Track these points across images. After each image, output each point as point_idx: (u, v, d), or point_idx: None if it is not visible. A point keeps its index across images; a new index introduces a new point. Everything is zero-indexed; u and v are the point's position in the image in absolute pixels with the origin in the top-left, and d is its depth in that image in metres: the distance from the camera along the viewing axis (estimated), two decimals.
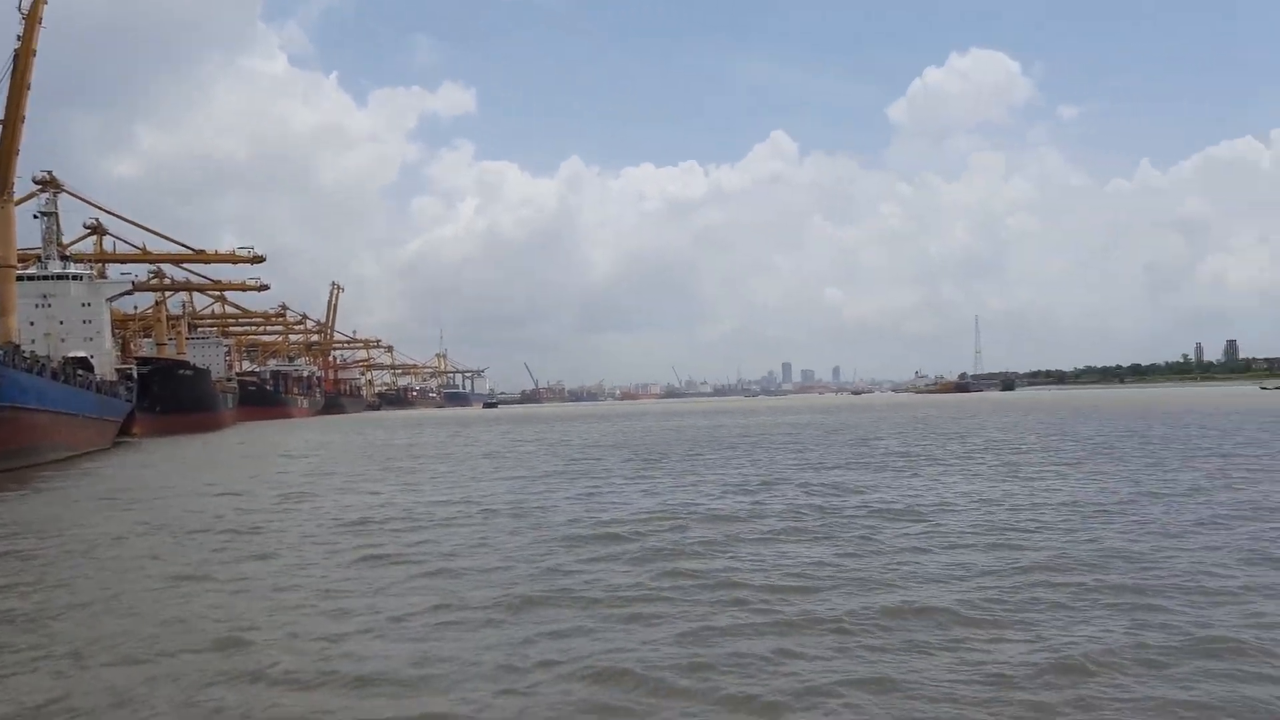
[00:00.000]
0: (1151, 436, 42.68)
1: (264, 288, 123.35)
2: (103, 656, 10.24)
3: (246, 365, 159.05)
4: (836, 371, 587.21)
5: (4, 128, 51.35)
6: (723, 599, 12.15)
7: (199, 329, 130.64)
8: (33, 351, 53.81)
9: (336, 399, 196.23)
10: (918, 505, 20.58)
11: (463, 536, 17.97)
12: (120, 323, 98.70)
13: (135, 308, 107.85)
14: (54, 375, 51.20)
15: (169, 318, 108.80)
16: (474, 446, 51.60)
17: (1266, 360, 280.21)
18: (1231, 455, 31.50)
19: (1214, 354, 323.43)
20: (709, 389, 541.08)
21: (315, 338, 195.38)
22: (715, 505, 21.51)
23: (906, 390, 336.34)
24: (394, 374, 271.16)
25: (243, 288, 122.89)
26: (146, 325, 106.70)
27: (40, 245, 71.24)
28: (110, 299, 77.32)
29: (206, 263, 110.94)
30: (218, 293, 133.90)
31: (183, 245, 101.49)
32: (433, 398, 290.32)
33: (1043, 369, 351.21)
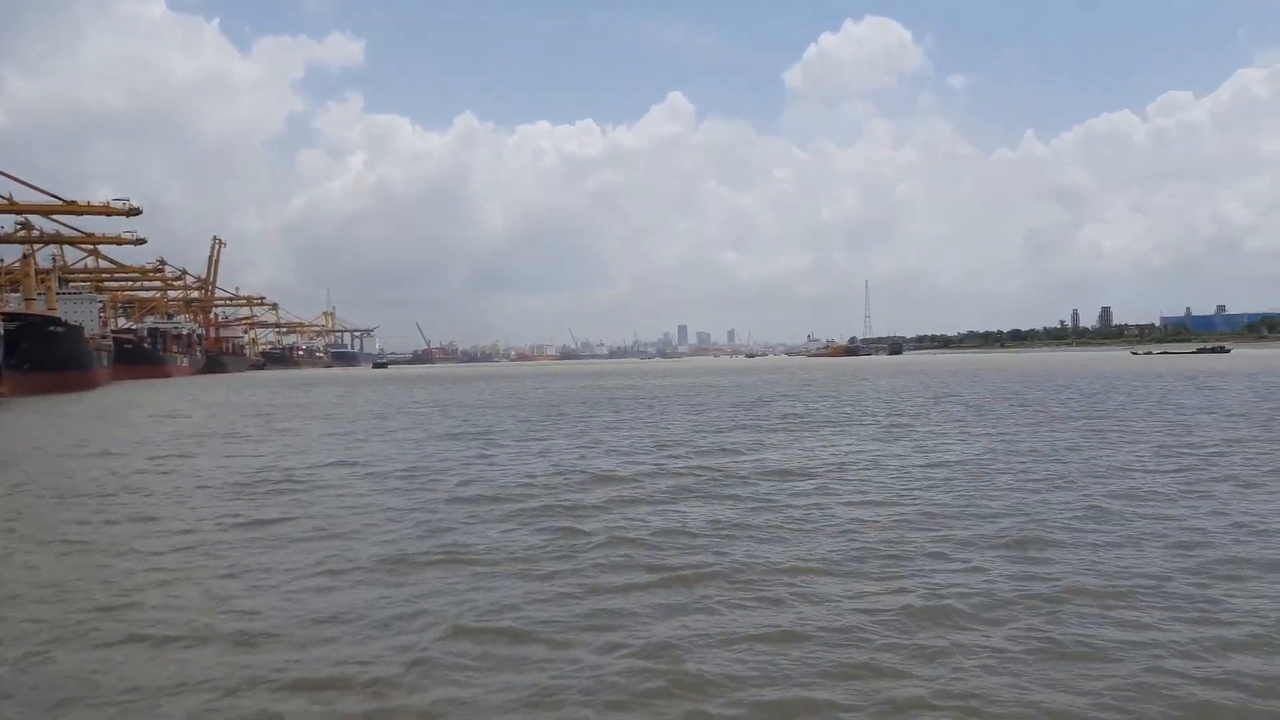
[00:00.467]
0: (1030, 399, 44.33)
1: (140, 241, 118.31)
2: None
3: (122, 322, 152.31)
4: (731, 334, 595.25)
5: None
6: (616, 557, 12.08)
7: (71, 284, 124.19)
8: None
9: (218, 358, 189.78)
10: (811, 465, 20.88)
11: (350, 498, 17.51)
12: None
13: (1, 261, 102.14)
14: None
15: (38, 272, 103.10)
16: (363, 407, 50.52)
17: (1137, 326, 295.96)
18: (1106, 416, 32.79)
19: (1089, 319, 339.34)
20: (605, 351, 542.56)
21: (195, 294, 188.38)
22: (610, 466, 21.43)
23: (799, 354, 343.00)
24: (279, 333, 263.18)
25: (118, 241, 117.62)
26: (14, 279, 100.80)
27: None
28: None
29: (79, 214, 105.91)
30: (91, 246, 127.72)
31: (53, 196, 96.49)
32: (320, 357, 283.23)
33: (928, 333, 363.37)
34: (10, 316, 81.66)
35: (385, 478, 20.06)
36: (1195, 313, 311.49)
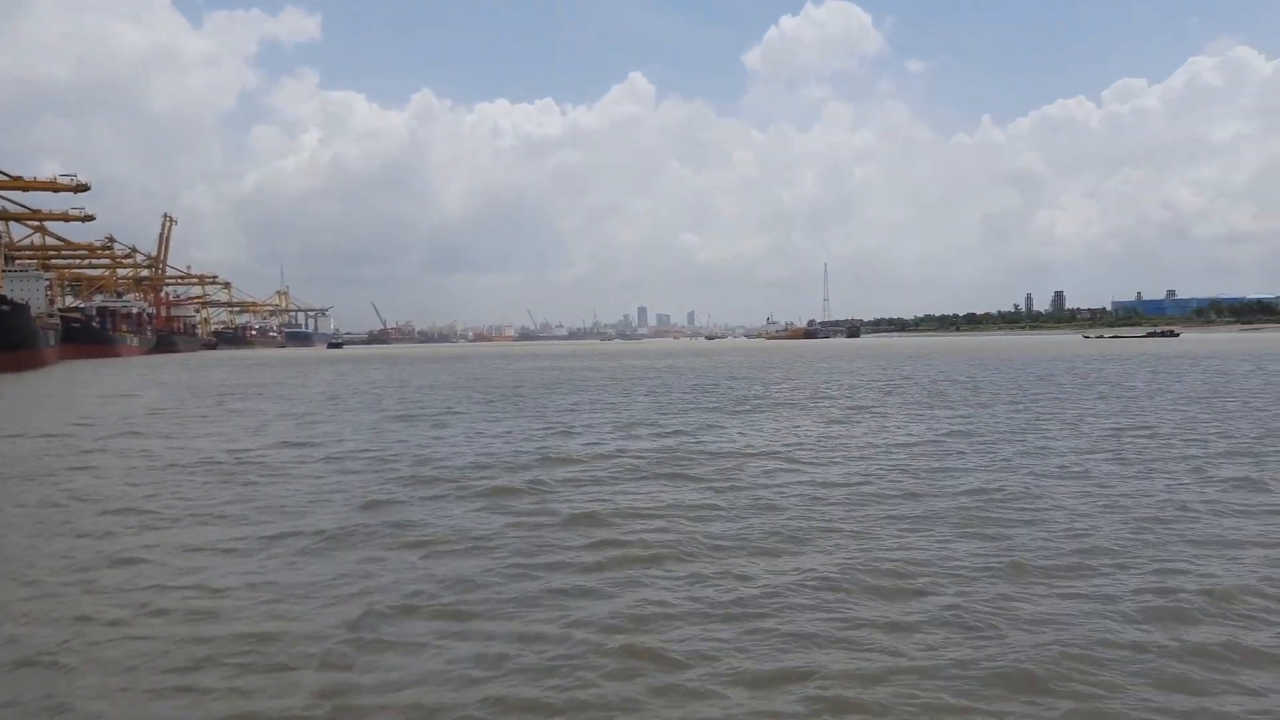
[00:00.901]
0: (991, 382, 44.78)
1: (89, 218, 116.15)
2: None
3: (70, 300, 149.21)
4: (691, 316, 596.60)
5: None
6: (574, 537, 11.96)
7: (17, 261, 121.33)
8: None
9: (169, 337, 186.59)
10: (773, 446, 20.87)
11: (302, 479, 17.23)
12: None
13: None
14: None
15: None
16: (317, 388, 49.87)
17: (1089, 310, 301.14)
18: (1060, 399, 33.19)
19: (1042, 303, 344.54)
20: (564, 332, 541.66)
21: (146, 272, 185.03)
22: (569, 447, 21.30)
23: (759, 336, 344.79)
24: (231, 312, 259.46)
25: (65, 218, 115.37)
26: None
27: None
28: None
29: (24, 190, 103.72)
30: (37, 223, 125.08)
31: None
32: (273, 337, 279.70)
33: (885, 316, 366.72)
34: None
35: (339, 459, 19.74)
36: (1146, 297, 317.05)
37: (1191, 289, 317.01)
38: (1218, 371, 48.61)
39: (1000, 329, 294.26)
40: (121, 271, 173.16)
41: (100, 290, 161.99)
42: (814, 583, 9.66)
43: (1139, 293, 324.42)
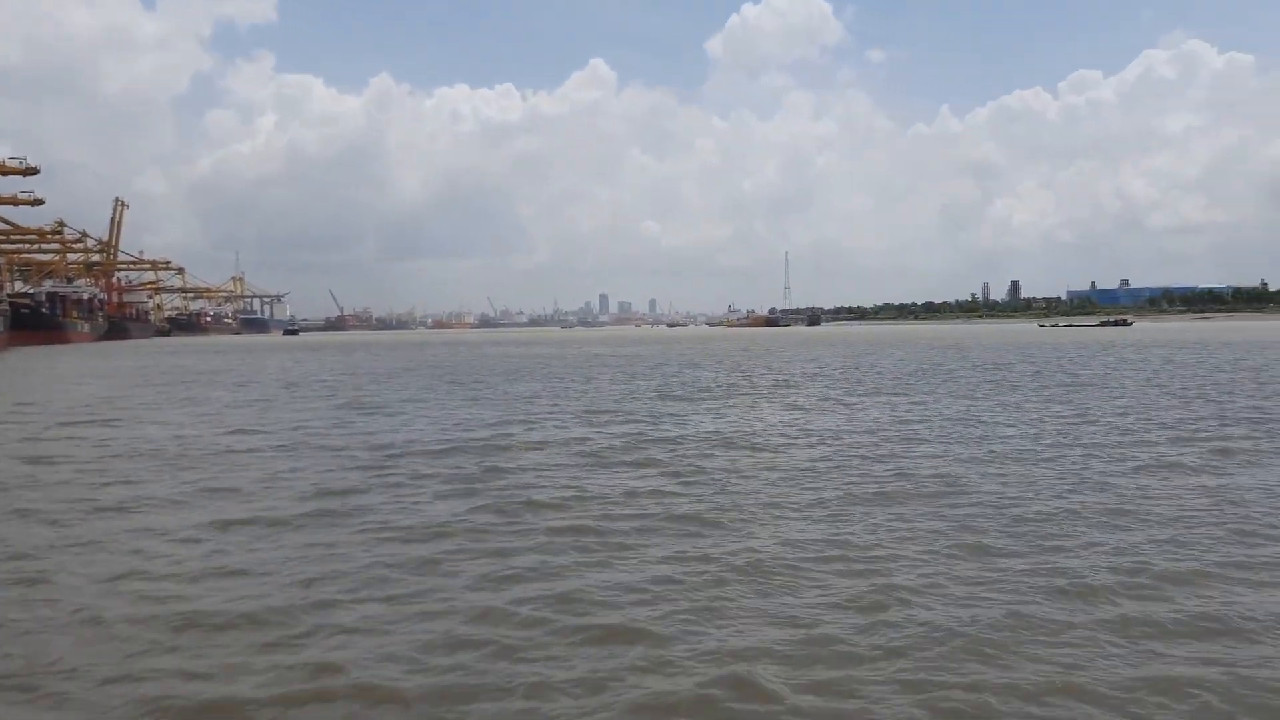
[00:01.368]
0: (951, 370, 45.25)
1: (38, 202, 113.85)
2: None
3: (19, 286, 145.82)
4: (653, 304, 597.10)
5: None
6: (534, 521, 11.88)
7: None
8: None
9: (122, 324, 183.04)
10: (735, 432, 20.87)
11: (256, 466, 16.95)
12: None
13: None
14: None
15: None
16: (272, 375, 49.20)
17: (1045, 300, 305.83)
18: (1018, 387, 33.59)
19: (999, 293, 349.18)
20: (525, 319, 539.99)
21: (97, 258, 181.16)
22: (530, 435, 21.15)
23: (720, 324, 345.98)
24: (186, 298, 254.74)
25: (14, 202, 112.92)
26: None
27: None
28: None
29: None
30: None
31: None
32: (228, 324, 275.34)
33: (845, 304, 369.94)
34: None
35: (293, 446, 19.45)
36: (1100, 287, 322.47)
37: (1145, 279, 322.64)
38: (1166, 360, 49.48)
39: (958, 318, 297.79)
40: (72, 256, 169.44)
41: (50, 275, 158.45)
42: (769, 562, 9.66)
43: (1093, 282, 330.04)
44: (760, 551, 10.25)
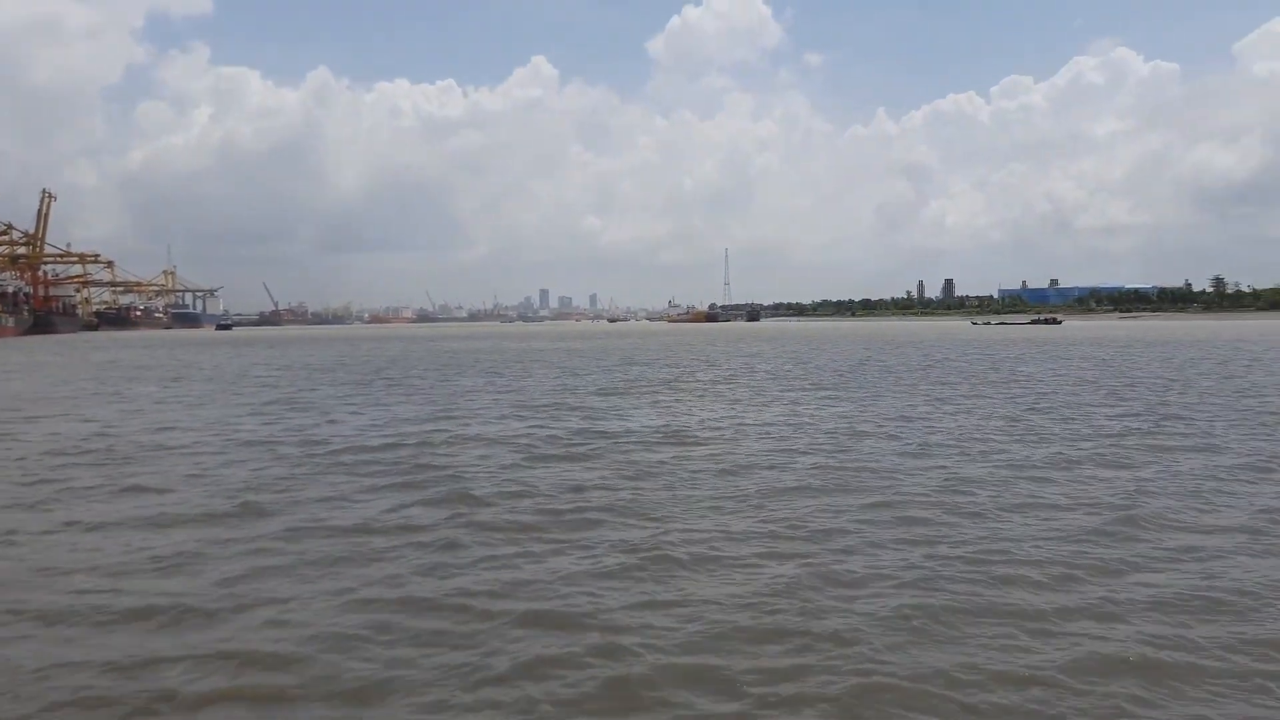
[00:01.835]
0: (887, 365, 45.80)
1: None
2: None
3: None
4: (594, 299, 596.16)
5: None
6: (472, 514, 11.75)
7: None
8: None
9: (47, 318, 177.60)
10: (681, 428, 20.86)
11: (183, 462, 16.54)
12: None
13: None
14: None
15: None
16: (201, 370, 48.13)
17: (977, 298, 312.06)
18: (952, 383, 34.13)
19: (933, 290, 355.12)
20: (464, 314, 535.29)
21: (22, 250, 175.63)
22: (468, 430, 20.95)
23: (661, 319, 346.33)
24: (115, 292, 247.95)
25: None
26: None
27: None
28: None
29: None
30: None
31: None
32: (159, 318, 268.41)
33: (784, 300, 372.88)
34: None
35: (220, 443, 19.01)
36: (1031, 286, 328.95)
37: (1073, 278, 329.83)
38: (1095, 359, 50.71)
39: (894, 314, 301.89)
40: None
41: None
42: (702, 553, 9.68)
43: (1024, 281, 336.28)
44: (695, 542, 10.27)
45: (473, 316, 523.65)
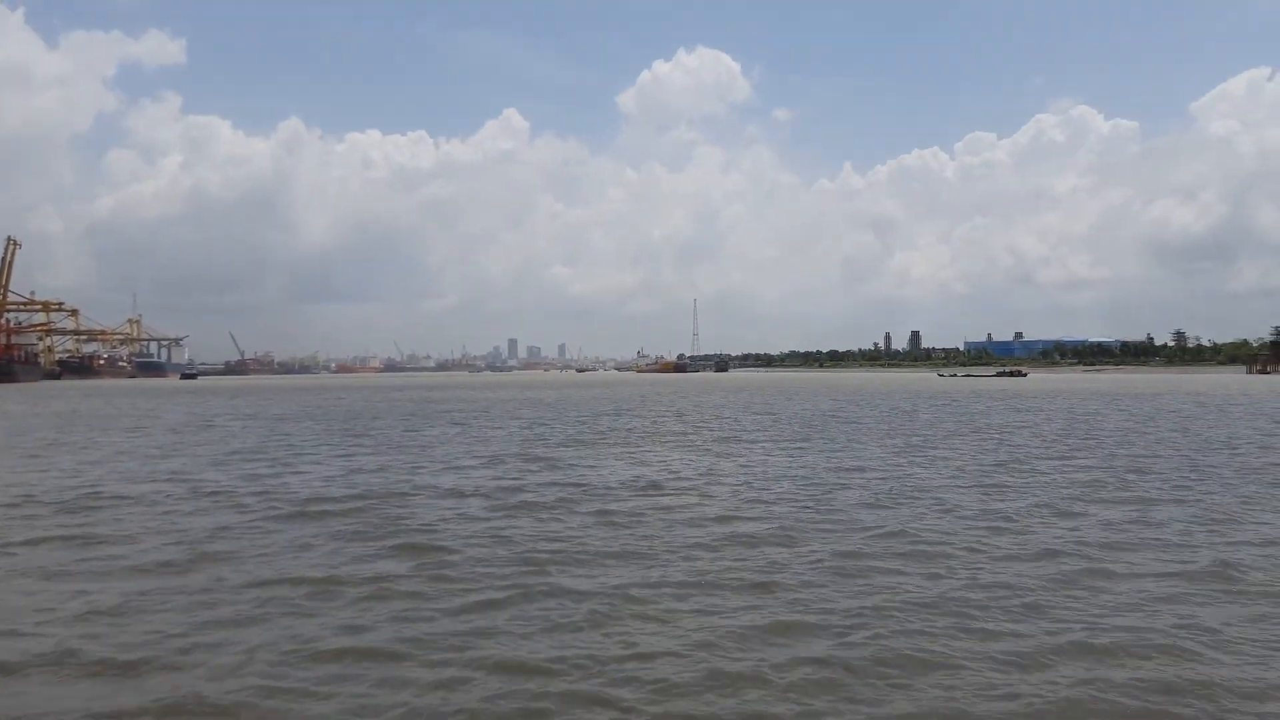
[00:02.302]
0: (859, 417, 45.99)
1: None
2: None
3: None
4: (562, 349, 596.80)
5: None
6: (435, 571, 11.58)
7: None
8: None
9: (8, 366, 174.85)
10: (652, 480, 20.78)
11: (144, 514, 16.24)
12: None
13: None
14: None
15: None
16: (164, 420, 47.51)
17: (944, 350, 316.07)
18: (927, 436, 34.33)
19: (900, 342, 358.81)
20: (433, 363, 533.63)
21: None
22: (436, 481, 20.79)
23: (629, 369, 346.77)
24: (78, 340, 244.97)
25: None
26: None
27: None
28: None
29: None
30: None
31: None
32: (123, 367, 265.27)
33: (752, 351, 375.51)
34: None
35: (187, 495, 18.71)
36: (996, 338, 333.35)
37: (1037, 330, 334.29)
38: (1064, 410, 51.23)
39: (861, 365, 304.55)
40: None
41: None
42: (669, 598, 9.61)
43: (989, 334, 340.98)
44: (662, 595, 10.20)
45: (441, 366, 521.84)
